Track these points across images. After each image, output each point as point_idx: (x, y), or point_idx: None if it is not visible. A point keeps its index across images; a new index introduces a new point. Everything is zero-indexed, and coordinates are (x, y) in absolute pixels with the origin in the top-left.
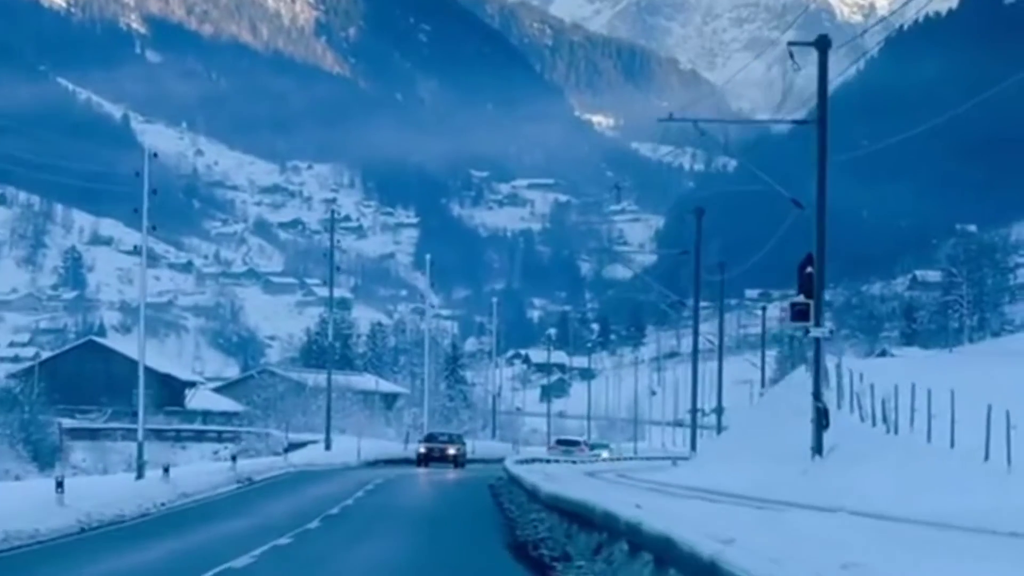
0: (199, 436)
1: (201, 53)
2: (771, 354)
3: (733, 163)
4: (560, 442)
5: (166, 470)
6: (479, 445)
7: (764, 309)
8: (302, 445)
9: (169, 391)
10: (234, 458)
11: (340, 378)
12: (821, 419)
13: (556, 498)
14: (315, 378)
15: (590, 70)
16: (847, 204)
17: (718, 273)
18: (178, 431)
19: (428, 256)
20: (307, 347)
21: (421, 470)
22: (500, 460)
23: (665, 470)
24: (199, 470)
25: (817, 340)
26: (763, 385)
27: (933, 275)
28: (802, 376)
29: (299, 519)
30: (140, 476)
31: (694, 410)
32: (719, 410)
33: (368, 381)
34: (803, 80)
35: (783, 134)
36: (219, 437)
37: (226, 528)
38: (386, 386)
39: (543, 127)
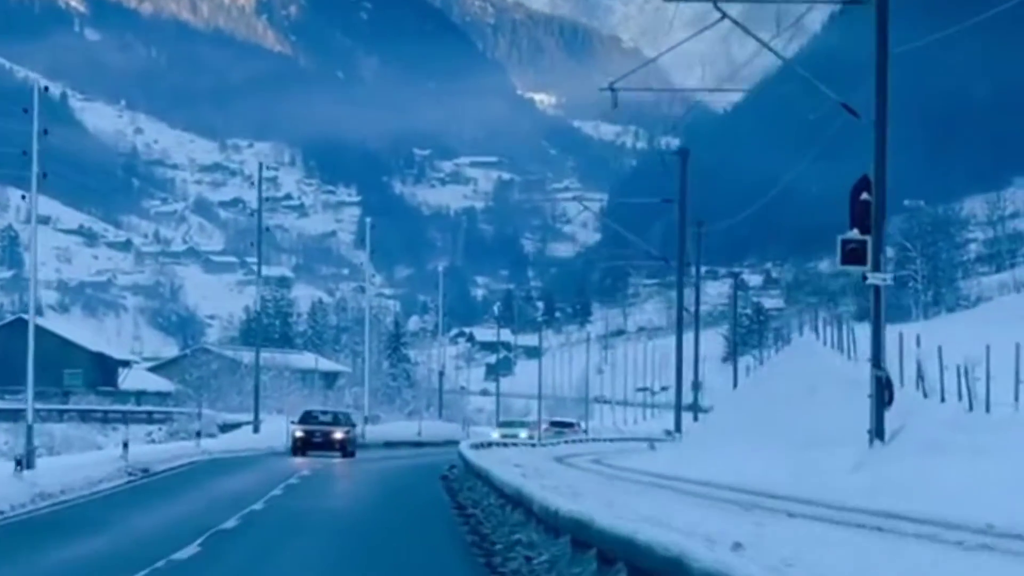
0: (126, 418)
1: (140, 31)
2: (721, 330)
3: (676, 141)
4: (554, 424)
5: (19, 463)
6: (426, 426)
7: (736, 276)
8: (236, 426)
9: (102, 370)
10: (126, 445)
11: (278, 356)
12: (883, 393)
13: (582, 524)
14: (252, 356)
15: (532, 48)
16: (793, 180)
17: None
18: (106, 412)
19: (368, 220)
20: (246, 325)
21: (307, 461)
22: (449, 443)
23: (644, 454)
24: (81, 462)
25: (877, 289)
26: (734, 359)
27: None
28: (806, 344)
29: (172, 539)
30: (25, 467)
31: (679, 385)
32: (696, 386)
33: (307, 359)
34: (744, 56)
35: (721, 112)
36: (149, 418)
37: (35, 564)
38: (326, 364)
39: (485, 105)
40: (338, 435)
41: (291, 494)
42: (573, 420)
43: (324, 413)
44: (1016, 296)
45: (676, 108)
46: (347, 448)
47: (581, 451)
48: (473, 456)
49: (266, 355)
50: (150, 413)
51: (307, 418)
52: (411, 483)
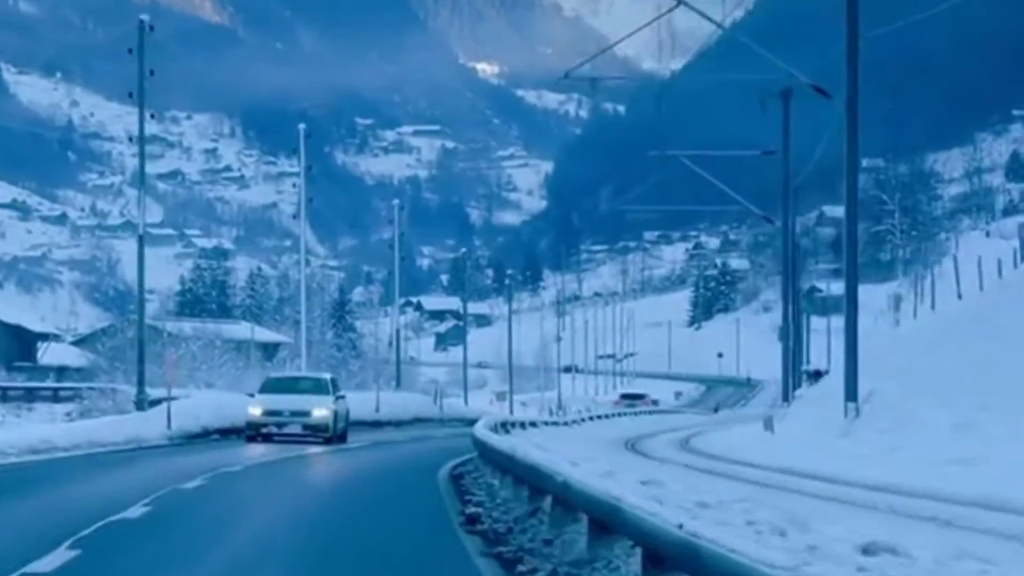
0: (30, 394)
1: (75, 3)
2: (682, 295)
3: (621, 108)
4: (624, 396)
5: None
6: (385, 399)
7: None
8: (157, 402)
9: (20, 344)
10: None
11: (211, 326)
12: None
13: None
14: (184, 327)
15: (473, 16)
16: (754, 137)
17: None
18: (4, 390)
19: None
20: (181, 296)
21: (262, 450)
22: (419, 423)
23: (750, 435)
24: None
25: None
26: (695, 321)
27: (842, 210)
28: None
29: None
30: None
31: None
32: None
33: (243, 329)
34: (686, 26)
35: (665, 79)
36: (55, 396)
37: None
38: (265, 334)
39: (427, 74)
40: (318, 413)
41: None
42: (643, 392)
43: (302, 379)
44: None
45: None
46: (333, 434)
47: (648, 428)
48: (531, 456)
49: (197, 324)
50: (56, 390)
51: (274, 386)
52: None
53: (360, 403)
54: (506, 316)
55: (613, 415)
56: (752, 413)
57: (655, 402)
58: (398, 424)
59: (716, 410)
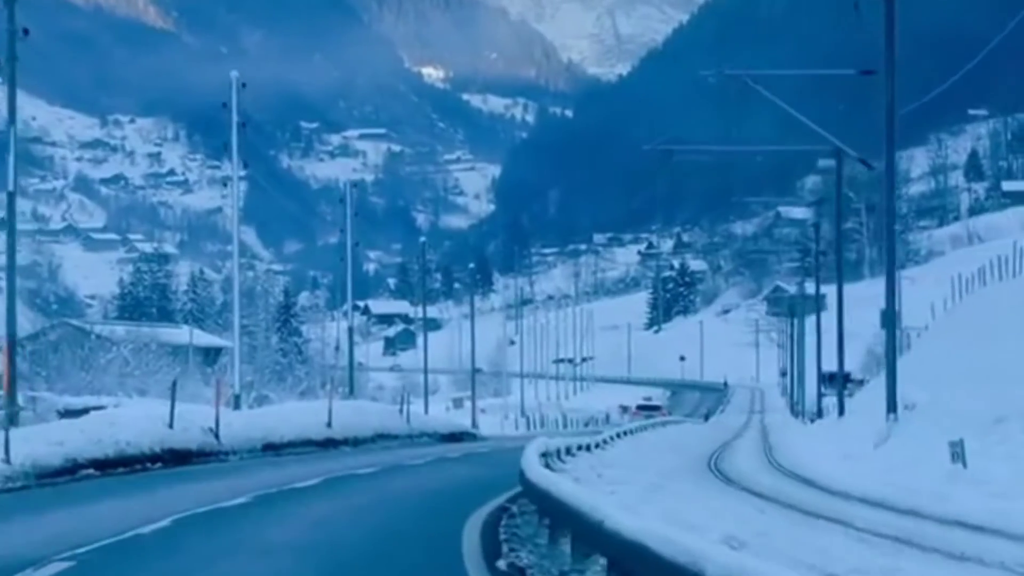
0: None
1: (18, 7)
2: (639, 298)
3: (569, 112)
4: (641, 407)
5: None
6: (339, 410)
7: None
8: (83, 411)
9: None
10: None
11: (146, 329)
12: None
13: None
14: (120, 331)
15: (419, 21)
16: (705, 138)
17: (563, 214)
18: None
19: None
20: (121, 299)
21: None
22: (383, 438)
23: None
24: None
25: None
26: (654, 323)
27: (798, 211)
28: None
29: None
30: None
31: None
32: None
33: (183, 334)
34: (629, 31)
35: (612, 83)
36: None
37: None
38: (206, 339)
39: (373, 79)
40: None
41: None
42: (659, 403)
43: None
44: (974, 248)
45: (563, 82)
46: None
47: (697, 446)
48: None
49: (131, 327)
50: None
51: None
52: None
53: (306, 415)
54: (455, 320)
55: (635, 430)
56: (736, 422)
57: (669, 413)
58: (356, 442)
59: (707, 418)
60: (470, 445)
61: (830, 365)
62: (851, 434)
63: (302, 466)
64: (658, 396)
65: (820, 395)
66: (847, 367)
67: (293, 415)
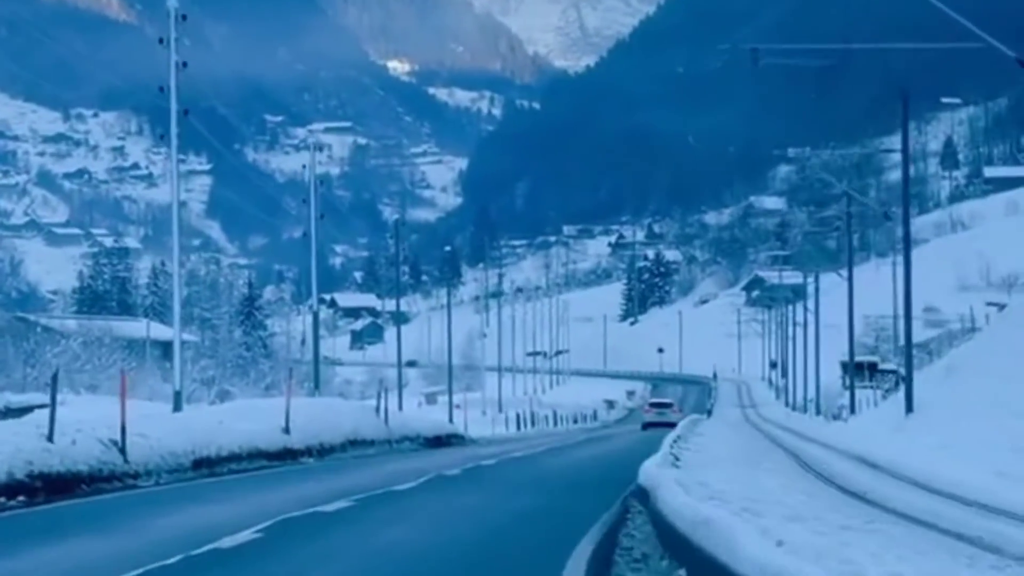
0: None
1: None
2: (612, 289)
3: (536, 104)
4: (653, 405)
5: None
6: (300, 411)
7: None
8: (27, 410)
9: None
10: None
11: (100, 323)
12: None
13: None
14: (65, 323)
15: (384, 15)
16: (672, 130)
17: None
18: None
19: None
20: (80, 293)
21: None
22: (353, 446)
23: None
24: None
25: None
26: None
27: (771, 201)
28: None
29: None
30: None
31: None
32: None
33: (140, 327)
34: (595, 24)
35: (579, 75)
36: None
37: None
38: (166, 332)
39: (338, 72)
40: None
41: None
42: (670, 400)
43: None
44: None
45: (529, 75)
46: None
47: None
48: None
49: (84, 320)
50: None
51: None
52: None
53: (256, 418)
54: (424, 313)
55: (684, 436)
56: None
57: (680, 410)
58: (321, 452)
59: (709, 414)
60: (464, 452)
61: (827, 355)
62: (959, 440)
63: (239, 499)
64: (640, 390)
65: (852, 388)
66: (840, 357)
67: (238, 418)
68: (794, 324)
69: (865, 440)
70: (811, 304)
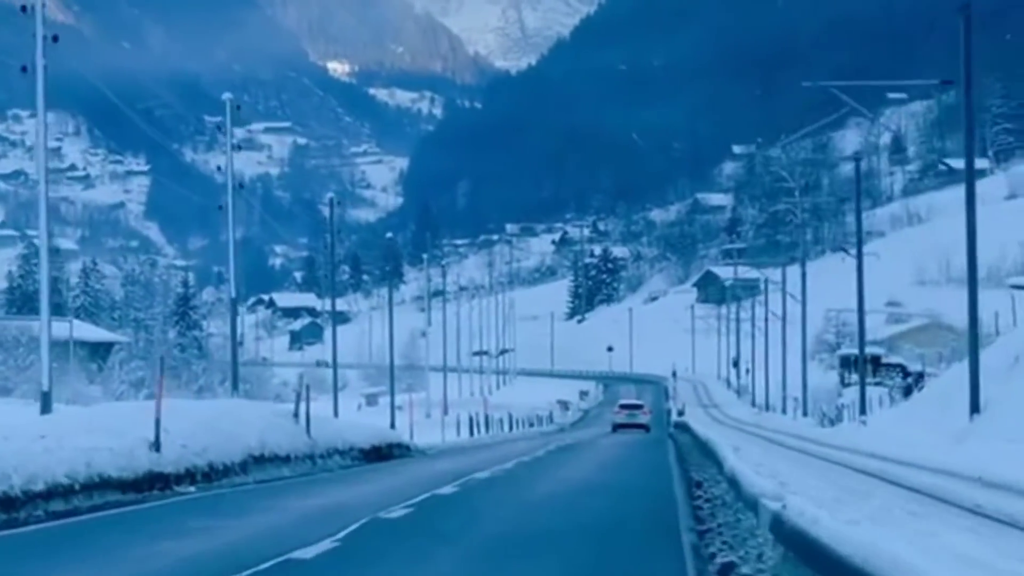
0: None
1: None
2: (557, 286)
3: (477, 104)
4: (624, 406)
5: None
6: (188, 415)
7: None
8: None
9: None
10: None
11: (17, 322)
12: None
13: None
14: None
15: (323, 15)
16: (615, 128)
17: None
18: None
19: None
20: (9, 293)
21: None
22: (259, 465)
23: None
24: None
25: None
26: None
27: (717, 198)
28: None
29: None
30: None
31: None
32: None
33: (62, 327)
34: (535, 24)
35: (520, 74)
36: None
37: None
38: (94, 333)
39: (277, 73)
40: None
41: None
42: (640, 402)
43: None
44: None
45: (469, 75)
46: None
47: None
48: None
49: (2, 320)
50: None
51: None
52: None
53: (107, 431)
54: (364, 312)
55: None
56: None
57: (648, 411)
58: (209, 476)
59: (681, 414)
60: (411, 472)
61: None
62: None
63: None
64: (593, 390)
65: (863, 385)
66: (799, 353)
67: (78, 431)
68: (753, 321)
69: (930, 448)
70: (772, 300)
